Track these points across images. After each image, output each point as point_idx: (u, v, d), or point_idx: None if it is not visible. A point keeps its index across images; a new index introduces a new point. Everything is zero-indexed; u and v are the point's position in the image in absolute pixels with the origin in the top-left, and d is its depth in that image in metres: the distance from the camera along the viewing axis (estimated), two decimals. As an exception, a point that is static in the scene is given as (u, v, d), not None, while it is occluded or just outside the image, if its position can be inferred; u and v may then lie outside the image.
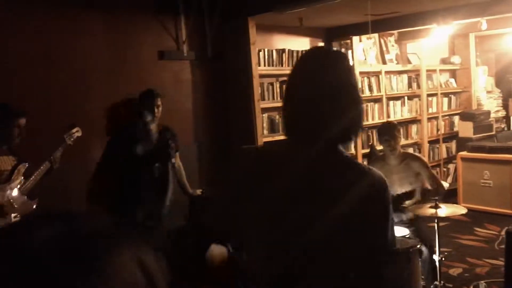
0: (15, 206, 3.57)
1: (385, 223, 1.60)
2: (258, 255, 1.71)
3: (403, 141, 7.67)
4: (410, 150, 7.70)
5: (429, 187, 4.44)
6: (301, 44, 6.81)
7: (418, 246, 3.74)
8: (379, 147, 5.31)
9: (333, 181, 1.58)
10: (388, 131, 4.50)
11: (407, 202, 4.34)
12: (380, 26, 6.35)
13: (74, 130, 3.95)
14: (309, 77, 1.59)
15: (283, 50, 6.25)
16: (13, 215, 3.54)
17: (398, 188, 4.45)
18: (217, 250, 1.95)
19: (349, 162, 1.64)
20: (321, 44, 7.06)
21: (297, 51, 6.39)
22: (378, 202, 1.58)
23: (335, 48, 5.74)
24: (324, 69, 1.58)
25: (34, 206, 3.70)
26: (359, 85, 6.89)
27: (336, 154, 1.61)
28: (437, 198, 4.00)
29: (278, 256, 1.63)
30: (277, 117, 6.20)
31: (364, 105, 6.43)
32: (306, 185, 1.58)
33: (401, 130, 5.15)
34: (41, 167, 3.71)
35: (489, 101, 8.74)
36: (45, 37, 4.57)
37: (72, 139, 3.92)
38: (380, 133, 4.60)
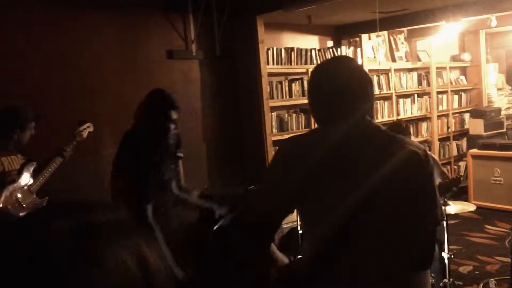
0: (24, 205, 3.56)
1: (430, 192, 1.81)
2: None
3: (413, 139, 7.64)
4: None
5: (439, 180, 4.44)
6: (310, 42, 6.81)
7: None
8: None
9: (373, 154, 1.79)
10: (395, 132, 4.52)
11: None
12: (389, 23, 6.34)
13: (85, 126, 3.95)
14: (332, 76, 1.89)
15: (292, 49, 6.25)
16: (21, 214, 3.52)
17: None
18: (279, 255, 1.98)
19: (386, 133, 1.90)
20: (330, 42, 7.06)
21: (306, 50, 6.40)
22: (419, 172, 1.79)
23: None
24: (342, 70, 1.89)
25: (44, 205, 3.67)
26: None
27: (369, 124, 1.88)
28: (455, 189, 4.00)
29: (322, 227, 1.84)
30: (286, 115, 6.21)
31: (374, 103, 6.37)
32: (347, 159, 1.81)
33: (411, 129, 5.13)
34: (52, 165, 3.70)
35: (499, 98, 8.68)
36: (55, 37, 4.62)
37: (83, 135, 3.91)
38: None
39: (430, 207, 1.80)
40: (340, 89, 1.84)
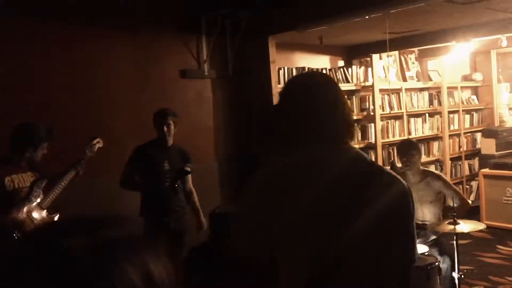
0: (35, 222, 3.58)
1: (408, 238, 1.61)
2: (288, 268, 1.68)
3: (425, 158, 7.64)
4: (432, 167, 7.68)
5: (454, 205, 4.39)
6: (321, 62, 6.88)
7: (437, 263, 3.74)
8: (399, 164, 5.34)
9: (357, 189, 1.58)
10: (404, 150, 4.58)
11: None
12: (399, 44, 6.39)
13: (95, 141, 3.99)
14: (304, 96, 1.69)
15: (303, 68, 6.32)
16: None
17: (418, 206, 4.46)
18: None
19: (371, 166, 1.68)
20: (341, 62, 7.12)
21: (317, 69, 6.46)
22: (401, 217, 1.59)
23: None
24: (316, 89, 1.69)
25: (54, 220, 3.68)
26: (379, 102, 6.94)
27: (350, 151, 1.67)
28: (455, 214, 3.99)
29: (305, 269, 1.62)
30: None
31: (385, 122, 6.44)
32: (331, 194, 1.59)
33: (421, 148, 5.15)
34: (63, 181, 3.74)
35: (511, 117, 8.68)
36: (71, 55, 4.71)
37: (93, 150, 3.96)
38: (397, 151, 4.74)
39: (408, 247, 1.62)
40: (316, 106, 1.64)
